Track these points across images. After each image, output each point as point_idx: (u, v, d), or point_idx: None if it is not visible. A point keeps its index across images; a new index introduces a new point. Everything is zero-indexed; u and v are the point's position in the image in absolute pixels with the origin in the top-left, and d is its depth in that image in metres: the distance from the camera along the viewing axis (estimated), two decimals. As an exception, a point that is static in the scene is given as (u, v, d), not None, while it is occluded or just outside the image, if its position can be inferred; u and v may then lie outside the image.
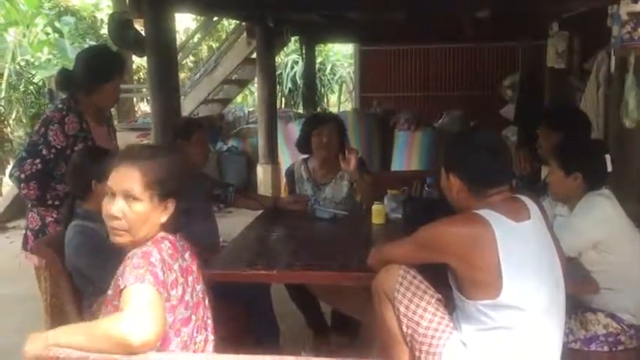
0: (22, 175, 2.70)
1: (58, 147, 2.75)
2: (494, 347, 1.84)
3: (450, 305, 2.00)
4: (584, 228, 2.41)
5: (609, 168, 2.49)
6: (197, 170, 3.28)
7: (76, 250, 2.29)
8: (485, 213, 1.83)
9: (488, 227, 1.80)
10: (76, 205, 2.46)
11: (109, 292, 1.76)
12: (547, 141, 3.07)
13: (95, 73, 2.87)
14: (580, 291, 2.29)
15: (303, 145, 3.49)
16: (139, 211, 1.70)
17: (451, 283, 1.94)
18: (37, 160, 2.71)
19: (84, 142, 2.84)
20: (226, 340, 2.01)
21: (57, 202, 2.77)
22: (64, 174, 2.72)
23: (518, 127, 6.99)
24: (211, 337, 1.89)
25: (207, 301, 1.89)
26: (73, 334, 1.51)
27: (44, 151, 2.73)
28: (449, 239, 1.85)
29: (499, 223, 1.81)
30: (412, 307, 1.96)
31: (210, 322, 1.88)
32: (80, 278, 2.31)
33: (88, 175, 2.35)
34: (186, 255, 1.83)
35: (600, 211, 2.43)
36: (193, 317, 1.78)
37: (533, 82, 7.05)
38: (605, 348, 2.40)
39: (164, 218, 1.76)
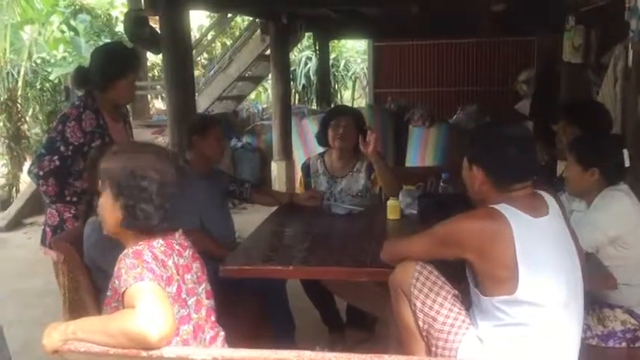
0: (41, 172, 2.73)
1: (76, 143, 2.78)
2: (510, 343, 1.83)
3: (466, 301, 2.00)
4: (601, 223, 2.39)
5: (627, 163, 2.47)
6: (213, 166, 3.30)
7: (95, 246, 2.32)
8: (502, 208, 1.82)
9: (505, 222, 1.79)
10: (94, 200, 2.48)
11: (108, 292, 1.78)
12: (566, 135, 3.04)
13: (110, 70, 2.90)
14: (598, 287, 2.27)
15: (322, 136, 3.50)
16: (100, 204, 1.83)
17: (469, 278, 1.93)
18: (55, 157, 2.74)
19: (101, 138, 2.87)
20: (242, 336, 2.03)
21: (75, 199, 2.81)
22: (82, 170, 2.75)
23: (533, 122, 6.94)
24: (222, 334, 1.90)
25: (211, 301, 1.90)
26: (89, 329, 1.54)
27: (62, 148, 2.76)
28: (466, 234, 1.84)
29: (516, 219, 1.80)
30: (428, 303, 1.96)
31: (213, 318, 1.89)
32: (98, 273, 2.33)
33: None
34: (186, 253, 1.84)
35: (618, 207, 2.41)
36: (194, 315, 1.79)
37: (549, 77, 6.99)
38: (623, 344, 2.38)
39: (120, 216, 1.77)
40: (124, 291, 1.58)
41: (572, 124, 3.03)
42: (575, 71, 6.00)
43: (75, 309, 2.54)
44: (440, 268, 2.03)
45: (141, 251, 1.69)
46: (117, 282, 1.66)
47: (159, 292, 1.58)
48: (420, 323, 1.98)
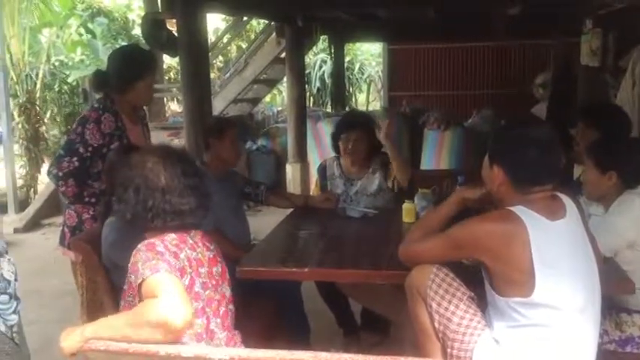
0: (60, 173, 2.77)
1: (95, 145, 2.82)
2: (526, 344, 1.82)
3: (481, 303, 1.99)
4: (620, 227, 2.37)
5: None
6: (229, 169, 3.32)
7: (114, 246, 2.34)
8: (519, 210, 1.81)
9: (521, 225, 1.78)
10: (113, 202, 2.50)
11: (124, 287, 1.82)
12: (585, 138, 3.01)
13: (128, 73, 2.93)
14: (616, 291, 2.25)
15: (334, 146, 3.59)
16: None
17: (485, 278, 1.93)
18: (75, 158, 2.77)
19: (119, 140, 2.90)
20: (256, 338, 2.04)
21: (93, 199, 2.84)
22: (101, 172, 2.78)
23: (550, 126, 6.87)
24: (238, 338, 1.91)
25: (231, 306, 1.92)
26: (113, 325, 1.57)
27: (81, 149, 2.79)
28: (481, 236, 1.84)
29: (533, 222, 1.79)
30: (444, 305, 1.96)
31: (229, 321, 1.90)
32: (117, 273, 2.35)
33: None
34: (201, 250, 1.86)
35: (636, 211, 2.39)
36: (207, 310, 1.80)
37: (566, 81, 6.94)
38: (641, 350, 2.36)
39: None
40: (141, 283, 1.62)
41: (590, 127, 3.01)
42: (592, 74, 5.96)
43: (92, 309, 2.57)
44: (455, 271, 2.03)
45: (154, 243, 1.73)
46: (132, 276, 1.69)
47: (176, 282, 1.62)
48: (436, 325, 1.98)
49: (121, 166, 1.95)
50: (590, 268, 1.88)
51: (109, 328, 1.56)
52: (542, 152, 1.86)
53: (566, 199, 1.92)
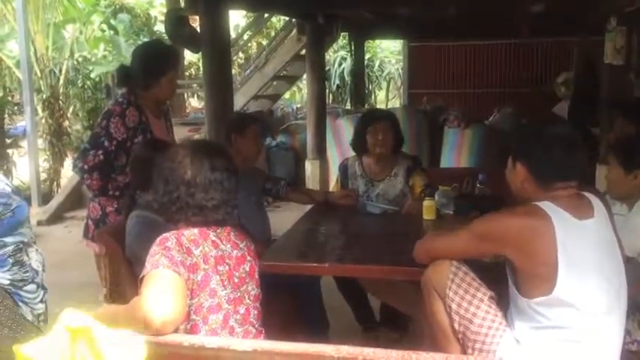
0: (86, 167, 2.81)
1: (119, 139, 2.85)
2: (548, 346, 1.81)
3: (502, 303, 1.98)
4: None
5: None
6: (250, 164, 3.34)
7: (137, 239, 2.38)
8: (546, 206, 1.80)
9: (548, 221, 1.77)
10: (137, 195, 2.54)
11: None
12: (622, 133, 2.95)
13: (152, 68, 2.97)
14: (638, 291, 2.23)
15: (358, 143, 3.48)
16: None
17: (508, 276, 1.92)
18: (100, 152, 2.82)
19: (143, 134, 2.94)
20: (275, 332, 2.05)
21: (117, 193, 2.88)
22: (125, 165, 2.82)
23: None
24: (263, 337, 1.91)
25: (256, 304, 1.92)
26: (110, 317, 1.61)
27: (106, 143, 2.83)
28: (507, 230, 1.83)
29: (560, 218, 1.78)
30: (464, 305, 1.94)
31: (252, 319, 1.89)
32: (139, 266, 2.38)
33: (149, 167, 2.42)
34: (225, 247, 1.85)
35: (661, 211, 2.37)
36: (227, 307, 1.80)
37: (589, 79, 6.86)
38: (664, 351, 2.33)
39: None
40: (141, 278, 1.66)
41: (630, 123, 2.95)
42: (616, 73, 5.88)
43: (116, 301, 2.60)
44: (475, 271, 2.01)
45: (167, 238, 1.75)
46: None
47: (171, 279, 1.63)
48: (456, 326, 1.96)
49: (153, 158, 1.99)
50: (618, 270, 1.86)
51: (108, 320, 1.58)
52: (565, 148, 1.85)
53: (594, 199, 1.90)
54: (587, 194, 1.90)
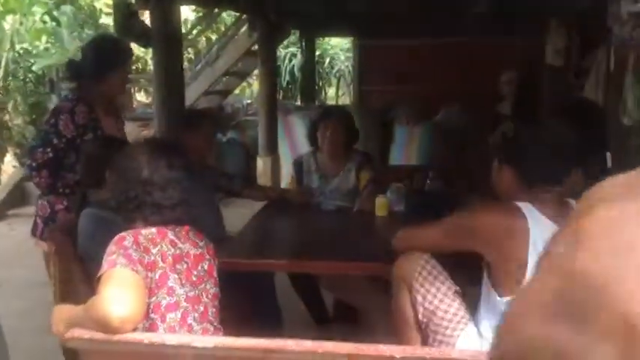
0: (34, 164, 2.74)
1: (69, 136, 2.80)
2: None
3: (466, 299, 2.00)
4: None
5: (609, 164, 2.55)
6: (202, 161, 3.32)
7: (90, 237, 2.34)
8: (524, 206, 1.81)
9: (523, 221, 1.78)
10: (89, 194, 2.50)
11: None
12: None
13: (102, 63, 2.91)
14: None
15: (312, 138, 3.56)
16: None
17: (484, 272, 1.92)
18: (49, 149, 2.75)
19: (93, 131, 2.88)
20: (230, 329, 2.06)
21: (67, 191, 2.83)
22: (75, 163, 2.77)
23: (514, 124, 7.02)
24: (221, 334, 1.91)
25: (215, 302, 1.92)
26: (71, 318, 1.59)
27: (55, 140, 2.77)
28: (483, 227, 1.84)
29: (536, 221, 1.78)
30: (429, 298, 1.97)
31: (211, 317, 1.89)
32: (93, 264, 2.35)
33: (101, 165, 2.39)
34: (184, 246, 1.85)
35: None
36: (184, 305, 1.80)
37: (531, 79, 7.11)
38: None
39: None
40: (99, 277, 1.63)
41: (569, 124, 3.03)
42: (556, 74, 6.12)
43: (66, 300, 2.55)
44: (443, 265, 2.02)
45: (125, 236, 1.73)
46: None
47: (128, 278, 1.61)
48: (420, 317, 1.99)
49: (105, 156, 1.96)
50: None
51: (70, 321, 1.58)
52: (548, 149, 1.85)
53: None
54: (572, 202, 1.85)
